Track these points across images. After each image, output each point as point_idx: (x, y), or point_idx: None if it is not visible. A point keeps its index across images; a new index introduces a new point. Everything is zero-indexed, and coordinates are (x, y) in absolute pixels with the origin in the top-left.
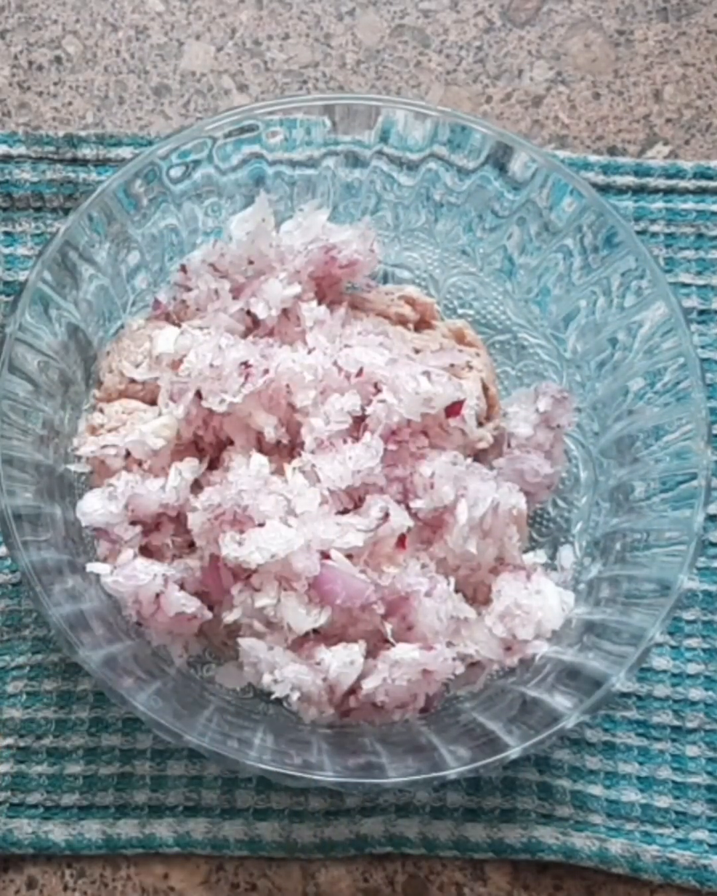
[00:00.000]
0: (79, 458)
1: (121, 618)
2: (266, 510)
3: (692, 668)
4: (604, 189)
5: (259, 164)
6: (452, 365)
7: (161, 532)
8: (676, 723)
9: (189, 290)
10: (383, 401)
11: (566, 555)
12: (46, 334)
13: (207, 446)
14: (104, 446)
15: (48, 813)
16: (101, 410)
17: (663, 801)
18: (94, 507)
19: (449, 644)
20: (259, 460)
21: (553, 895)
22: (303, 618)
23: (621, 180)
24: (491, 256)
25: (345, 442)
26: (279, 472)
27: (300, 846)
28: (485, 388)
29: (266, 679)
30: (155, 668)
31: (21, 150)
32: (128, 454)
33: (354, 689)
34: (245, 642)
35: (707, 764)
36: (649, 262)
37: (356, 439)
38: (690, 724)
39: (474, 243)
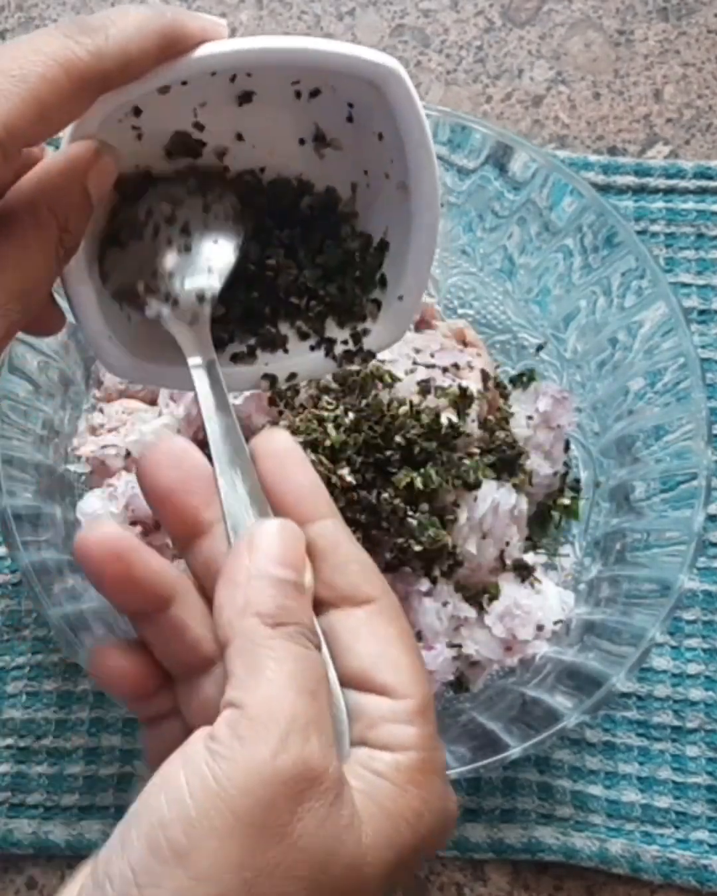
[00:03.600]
0: (79, 458)
1: (121, 618)
2: None
3: (692, 668)
4: (604, 189)
5: None
6: (453, 365)
7: (161, 532)
8: (676, 723)
9: None
10: None
11: (566, 555)
12: None
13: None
14: (104, 446)
15: (48, 813)
16: (101, 410)
17: (663, 802)
18: (94, 507)
19: (449, 644)
20: None
21: (553, 895)
22: None
23: (621, 180)
24: (491, 256)
25: None
26: None
27: None
28: None
29: None
30: None
31: None
32: (128, 454)
33: None
34: None
35: (707, 764)
36: (649, 261)
37: None
38: (690, 725)
39: (474, 243)
